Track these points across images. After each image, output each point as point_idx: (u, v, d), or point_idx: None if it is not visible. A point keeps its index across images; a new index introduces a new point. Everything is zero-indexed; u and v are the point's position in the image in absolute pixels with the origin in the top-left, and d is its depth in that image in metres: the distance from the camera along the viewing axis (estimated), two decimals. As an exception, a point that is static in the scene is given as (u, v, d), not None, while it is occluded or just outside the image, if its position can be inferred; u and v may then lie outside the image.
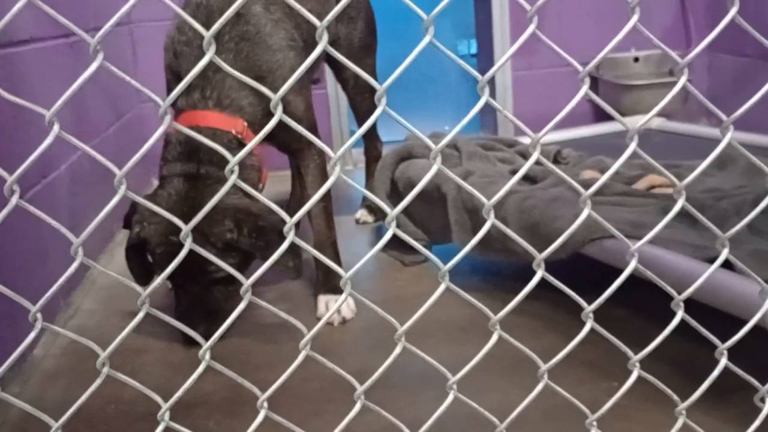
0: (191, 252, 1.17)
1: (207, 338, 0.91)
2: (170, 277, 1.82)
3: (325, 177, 2.34)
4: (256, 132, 2.01)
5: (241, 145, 2.01)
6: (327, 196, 2.31)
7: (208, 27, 0.78)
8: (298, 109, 2.22)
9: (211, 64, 0.98)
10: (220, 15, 1.99)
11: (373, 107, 0.83)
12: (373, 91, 2.78)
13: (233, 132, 2.05)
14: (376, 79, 2.90)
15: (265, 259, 1.20)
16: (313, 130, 2.33)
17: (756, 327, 1.07)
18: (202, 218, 1.15)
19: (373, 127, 3.08)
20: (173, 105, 2.00)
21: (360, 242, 3.06)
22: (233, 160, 0.85)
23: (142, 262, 2.13)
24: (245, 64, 2.08)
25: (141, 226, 2.05)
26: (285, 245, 0.89)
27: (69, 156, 2.61)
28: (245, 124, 2.08)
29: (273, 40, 2.14)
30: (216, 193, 0.99)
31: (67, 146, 2.60)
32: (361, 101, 2.96)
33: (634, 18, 0.80)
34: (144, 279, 2.13)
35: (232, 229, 1.97)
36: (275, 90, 0.94)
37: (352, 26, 2.82)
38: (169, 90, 2.15)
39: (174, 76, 2.16)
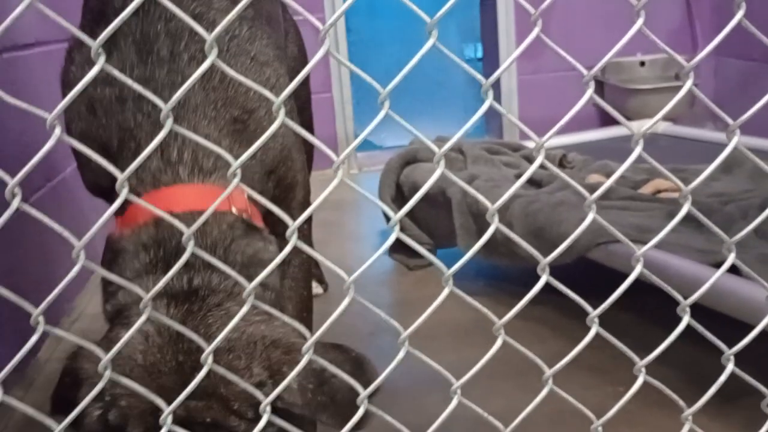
0: None
1: None
2: None
3: (308, 287, 1.60)
4: (255, 202, 1.23)
5: (252, 230, 1.20)
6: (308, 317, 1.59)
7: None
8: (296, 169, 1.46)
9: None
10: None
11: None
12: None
13: (233, 211, 1.19)
14: (311, 113, 2.33)
15: (332, 422, 0.98)
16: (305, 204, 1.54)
17: (763, 332, 1.06)
18: (216, 373, 0.85)
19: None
20: (111, 188, 1.17)
21: (364, 246, 3.06)
22: (254, 281, 0.76)
23: None
24: (224, 93, 1.26)
25: (106, 406, 1.04)
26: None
27: (74, 160, 2.60)
28: (245, 194, 1.14)
29: (256, 49, 1.35)
30: (230, 320, 0.76)
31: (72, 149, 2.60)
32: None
33: (639, 21, 0.80)
34: None
35: (264, 382, 1.04)
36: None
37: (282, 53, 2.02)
38: (97, 185, 1.36)
39: (98, 146, 1.23)
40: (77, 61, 1.32)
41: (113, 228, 1.19)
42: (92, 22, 1.30)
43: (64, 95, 1.31)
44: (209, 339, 0.99)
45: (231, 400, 1.01)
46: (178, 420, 0.91)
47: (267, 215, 1.29)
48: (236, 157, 1.16)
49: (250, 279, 0.80)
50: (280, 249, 1.36)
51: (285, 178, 1.39)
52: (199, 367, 0.98)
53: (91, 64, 0.65)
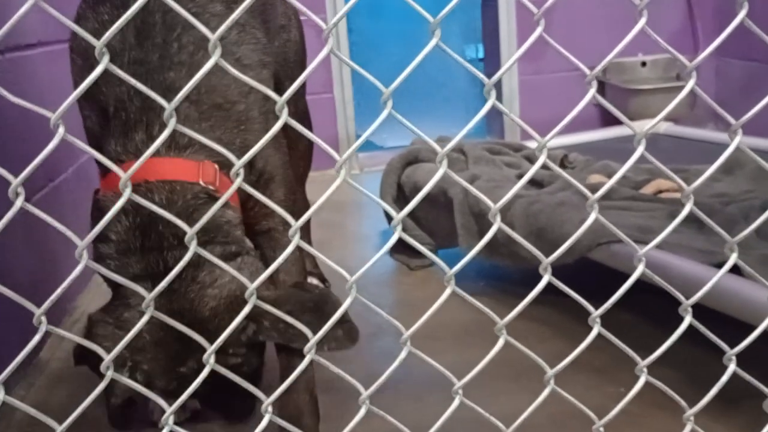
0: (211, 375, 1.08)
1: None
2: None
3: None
4: (233, 179, 1.39)
5: (214, 200, 1.33)
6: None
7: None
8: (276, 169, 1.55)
9: (158, 87, 0.78)
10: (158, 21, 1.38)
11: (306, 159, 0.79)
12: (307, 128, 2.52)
13: (201, 183, 1.34)
14: (305, 104, 2.26)
15: (305, 344, 1.09)
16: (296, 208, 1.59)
17: (765, 333, 1.06)
18: (204, 329, 1.03)
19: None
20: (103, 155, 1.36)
21: (366, 246, 3.06)
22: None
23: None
24: (207, 81, 1.36)
25: (131, 370, 1.32)
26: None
27: (76, 159, 2.61)
28: (217, 167, 1.36)
29: (241, 52, 1.47)
30: (205, 290, 0.98)
31: (74, 149, 2.61)
32: (297, 142, 2.11)
33: (642, 21, 0.80)
34: None
35: (247, 325, 1.30)
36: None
37: (285, 36, 2.02)
38: (93, 137, 1.44)
39: (98, 108, 1.40)
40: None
41: (101, 185, 1.38)
42: (94, 2, 1.42)
43: (73, 60, 1.49)
44: (197, 315, 1.24)
45: (226, 347, 1.24)
46: (191, 371, 1.17)
47: (246, 206, 1.45)
48: (215, 137, 1.35)
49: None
50: (280, 250, 1.51)
51: (263, 173, 1.50)
52: (195, 327, 1.11)
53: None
